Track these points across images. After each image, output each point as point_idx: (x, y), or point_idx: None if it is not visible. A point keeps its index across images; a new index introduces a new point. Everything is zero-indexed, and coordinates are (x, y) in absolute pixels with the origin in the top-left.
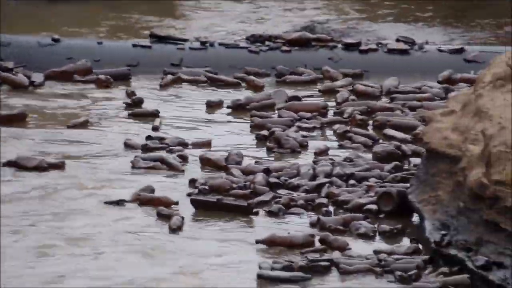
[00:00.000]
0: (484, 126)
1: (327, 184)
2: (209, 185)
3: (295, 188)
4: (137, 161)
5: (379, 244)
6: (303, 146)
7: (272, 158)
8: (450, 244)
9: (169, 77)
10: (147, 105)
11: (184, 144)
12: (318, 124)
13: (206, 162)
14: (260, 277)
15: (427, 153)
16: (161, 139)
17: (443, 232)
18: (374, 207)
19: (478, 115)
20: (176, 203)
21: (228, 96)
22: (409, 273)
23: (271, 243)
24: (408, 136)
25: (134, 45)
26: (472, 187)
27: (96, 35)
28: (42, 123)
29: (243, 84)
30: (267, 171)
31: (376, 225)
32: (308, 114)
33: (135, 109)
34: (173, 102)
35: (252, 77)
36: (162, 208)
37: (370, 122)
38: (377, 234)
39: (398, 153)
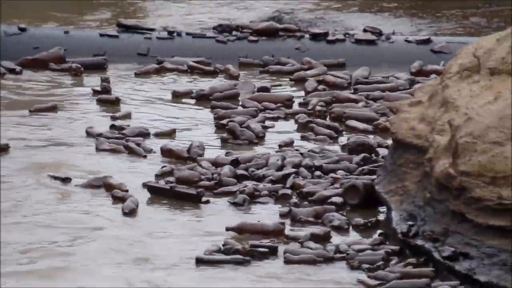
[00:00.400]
0: (450, 116)
1: (292, 175)
2: (177, 177)
3: (261, 179)
4: (100, 143)
5: (345, 236)
6: (260, 137)
7: (229, 149)
8: (417, 235)
9: (153, 65)
10: (118, 94)
11: (145, 134)
12: (282, 114)
13: (167, 154)
14: (198, 260)
15: (394, 144)
16: (121, 129)
17: (410, 222)
18: (339, 199)
19: (445, 105)
20: (126, 191)
21: (204, 86)
22: (376, 264)
23: (241, 231)
24: (370, 127)
25: (101, 35)
26: (439, 178)
27: (89, 24)
28: (6, 108)
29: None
30: (235, 162)
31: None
32: (273, 105)
33: (100, 96)
34: (144, 91)
35: (228, 66)
36: (116, 190)
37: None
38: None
39: (370, 145)
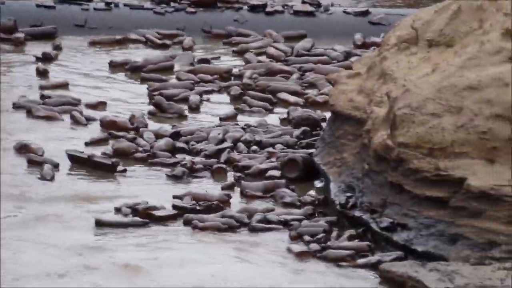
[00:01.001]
0: (388, 88)
1: (227, 149)
2: (115, 148)
3: (198, 153)
4: (36, 110)
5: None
6: (194, 109)
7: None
8: (355, 206)
9: (110, 36)
10: (63, 63)
11: (74, 104)
12: (216, 87)
13: (109, 125)
14: (97, 223)
15: (333, 115)
16: (45, 97)
17: (348, 194)
18: (276, 173)
19: (383, 77)
20: (42, 154)
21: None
22: (317, 236)
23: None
24: (301, 100)
25: (37, 5)
26: (377, 150)
27: None
28: None
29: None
30: (176, 135)
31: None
32: (209, 77)
33: (37, 65)
34: (87, 60)
35: (185, 38)
36: (33, 155)
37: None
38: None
39: (315, 118)
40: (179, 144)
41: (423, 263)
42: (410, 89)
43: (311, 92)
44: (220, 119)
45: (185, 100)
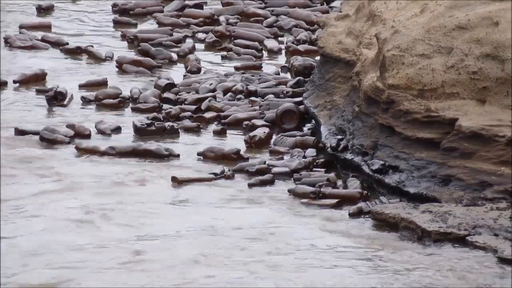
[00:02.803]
0: (377, 30)
1: (209, 98)
2: (96, 95)
3: (182, 102)
4: (13, 41)
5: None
6: (185, 55)
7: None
8: (346, 149)
9: None
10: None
11: (63, 44)
12: (189, 33)
13: (136, 63)
14: (16, 131)
15: (322, 58)
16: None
17: (339, 137)
18: (257, 122)
19: (372, 19)
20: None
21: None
22: (319, 184)
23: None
24: (280, 46)
25: None
26: (367, 92)
27: None
28: None
29: None
30: (169, 85)
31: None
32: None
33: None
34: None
35: None
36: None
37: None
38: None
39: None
40: (165, 95)
41: (415, 205)
42: (399, 30)
43: (287, 39)
44: (235, 68)
45: (161, 44)
